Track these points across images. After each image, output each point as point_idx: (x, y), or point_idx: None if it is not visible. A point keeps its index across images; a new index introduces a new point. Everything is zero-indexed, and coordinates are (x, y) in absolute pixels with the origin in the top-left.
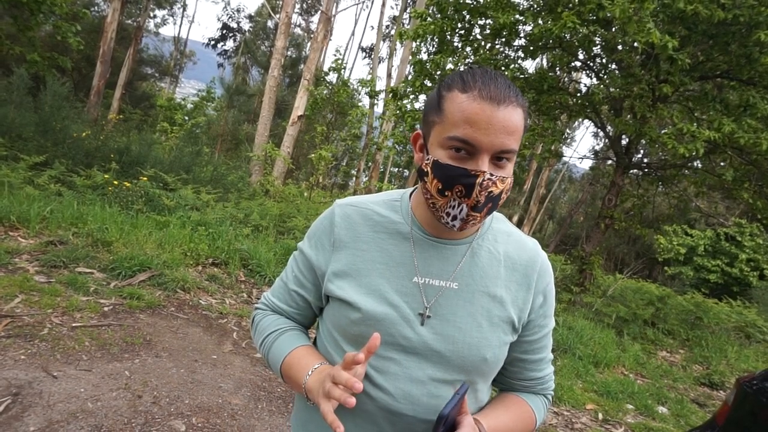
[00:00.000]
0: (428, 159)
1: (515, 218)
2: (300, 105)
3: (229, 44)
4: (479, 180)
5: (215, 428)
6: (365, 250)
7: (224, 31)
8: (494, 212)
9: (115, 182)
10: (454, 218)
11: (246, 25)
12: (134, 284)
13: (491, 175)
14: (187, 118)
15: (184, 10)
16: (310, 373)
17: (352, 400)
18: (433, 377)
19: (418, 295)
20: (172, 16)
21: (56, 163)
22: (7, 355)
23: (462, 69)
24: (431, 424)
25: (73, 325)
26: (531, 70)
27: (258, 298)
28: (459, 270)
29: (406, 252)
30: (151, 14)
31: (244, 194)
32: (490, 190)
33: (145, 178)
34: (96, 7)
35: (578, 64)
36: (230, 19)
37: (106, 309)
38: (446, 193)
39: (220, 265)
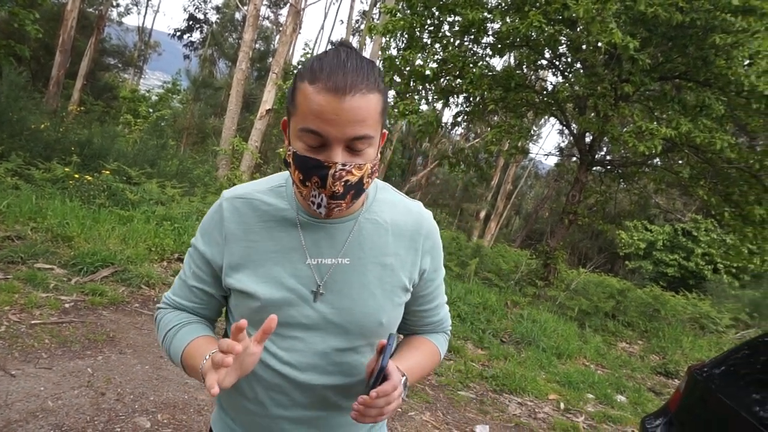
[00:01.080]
0: (289, 150)
1: (482, 213)
2: (268, 99)
3: (196, 36)
4: (331, 171)
5: (181, 424)
6: (257, 241)
7: (190, 22)
8: (378, 184)
9: (76, 176)
10: (319, 206)
11: (213, 17)
12: (96, 280)
13: (344, 165)
14: (151, 110)
15: None
16: (207, 357)
17: (229, 360)
18: (336, 347)
19: (311, 275)
20: (136, 5)
21: (13, 156)
22: None
23: (319, 54)
24: (340, 388)
25: (32, 322)
26: (499, 68)
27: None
28: (348, 245)
29: (295, 237)
30: (114, 3)
31: (211, 189)
32: (345, 179)
33: (108, 172)
34: None
35: (544, 62)
36: (197, 10)
37: (66, 306)
38: (306, 183)
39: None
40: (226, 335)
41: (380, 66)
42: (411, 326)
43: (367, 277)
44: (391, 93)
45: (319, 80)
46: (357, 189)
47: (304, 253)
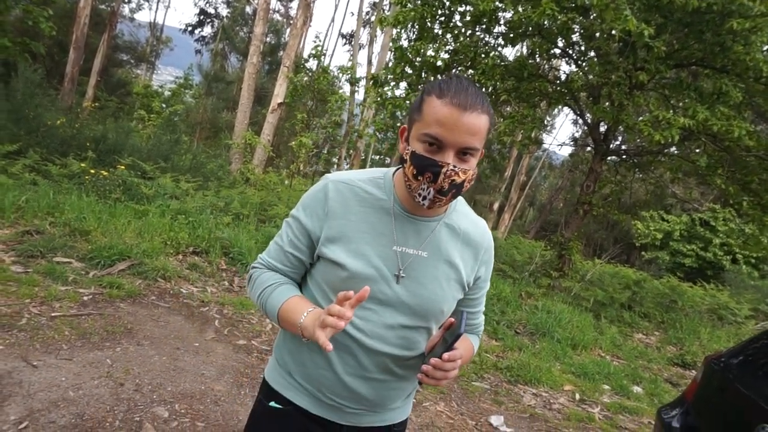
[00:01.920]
0: (408, 149)
1: (496, 204)
2: (280, 92)
3: (207, 30)
4: (444, 170)
5: (198, 414)
6: (354, 221)
7: (201, 17)
8: (459, 196)
9: (92, 171)
10: (424, 198)
11: (224, 11)
12: (114, 273)
13: (454, 166)
14: (164, 105)
15: None
16: (305, 314)
17: (342, 324)
18: (402, 324)
19: (395, 260)
20: (148, 1)
21: (30, 152)
22: None
23: (444, 77)
24: (397, 358)
25: (53, 314)
26: (511, 58)
27: (240, 286)
28: (428, 242)
29: (387, 224)
30: None
31: (224, 182)
32: (453, 178)
33: (123, 167)
34: None
35: (557, 51)
36: (207, 5)
37: (85, 298)
38: (419, 178)
39: (201, 253)
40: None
41: (391, 57)
42: None
43: (439, 271)
44: (403, 84)
45: (446, 96)
46: (457, 189)
47: (393, 240)
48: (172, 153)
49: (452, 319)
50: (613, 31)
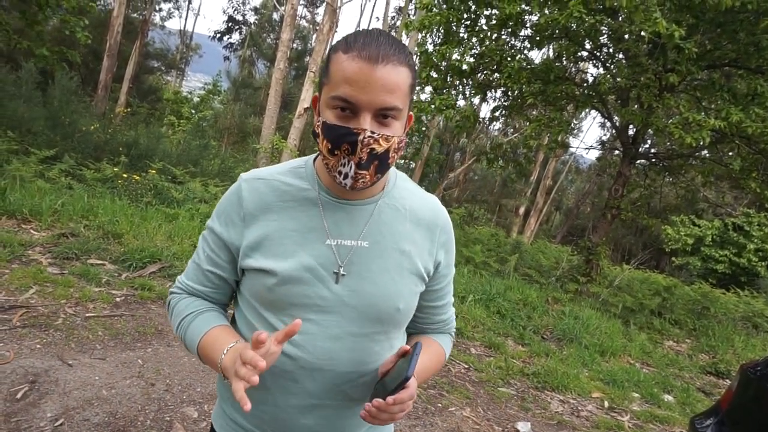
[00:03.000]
0: (319, 120)
1: (522, 209)
2: (306, 97)
3: (235, 37)
4: (360, 137)
5: None
6: (276, 220)
7: (230, 24)
8: (397, 172)
9: (125, 175)
10: (345, 176)
11: (251, 18)
12: (145, 275)
13: (372, 132)
14: (193, 111)
15: (190, 3)
16: (225, 352)
17: (255, 379)
18: (351, 332)
19: (331, 256)
20: (178, 9)
21: (66, 157)
22: (24, 344)
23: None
24: (351, 376)
25: (87, 315)
26: (537, 61)
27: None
28: (368, 228)
29: (315, 217)
30: (157, 7)
31: None
32: (372, 147)
33: (154, 171)
34: (102, 1)
35: (585, 54)
36: (236, 12)
37: (118, 300)
38: (335, 152)
39: None
40: (233, 322)
41: (417, 61)
42: (419, 324)
43: (387, 262)
44: (428, 89)
45: (353, 49)
46: (381, 161)
47: (325, 233)
48: (201, 158)
49: (407, 347)
50: (643, 33)
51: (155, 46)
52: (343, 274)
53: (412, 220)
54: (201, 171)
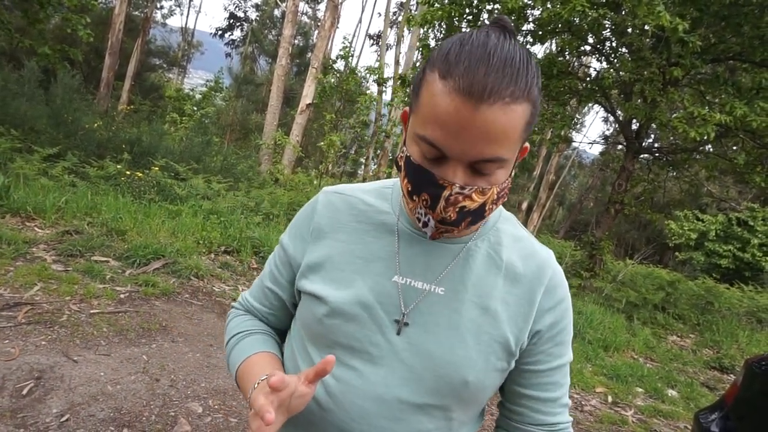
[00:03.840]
0: (403, 152)
1: (525, 204)
2: (308, 93)
3: (237, 34)
4: (446, 193)
5: (232, 410)
6: (344, 241)
7: (231, 21)
8: (501, 210)
9: (128, 172)
10: (425, 225)
11: (253, 14)
12: (149, 272)
13: (462, 188)
14: (195, 108)
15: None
16: (255, 385)
17: (266, 430)
18: (400, 397)
19: (395, 296)
20: (179, 7)
21: (69, 155)
22: (29, 340)
23: (463, 35)
24: None
25: (91, 311)
26: (539, 55)
27: None
28: (448, 272)
29: (388, 246)
30: (158, 5)
31: (254, 183)
32: (462, 205)
33: (157, 168)
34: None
35: (588, 48)
36: (237, 9)
37: (122, 296)
38: (414, 198)
39: (233, 252)
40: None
41: (418, 56)
42: (513, 421)
43: (462, 318)
44: None
45: (452, 75)
46: (475, 216)
47: (395, 268)
48: (204, 154)
49: None
50: (646, 27)
51: (157, 43)
52: (406, 323)
53: (509, 276)
54: (204, 168)
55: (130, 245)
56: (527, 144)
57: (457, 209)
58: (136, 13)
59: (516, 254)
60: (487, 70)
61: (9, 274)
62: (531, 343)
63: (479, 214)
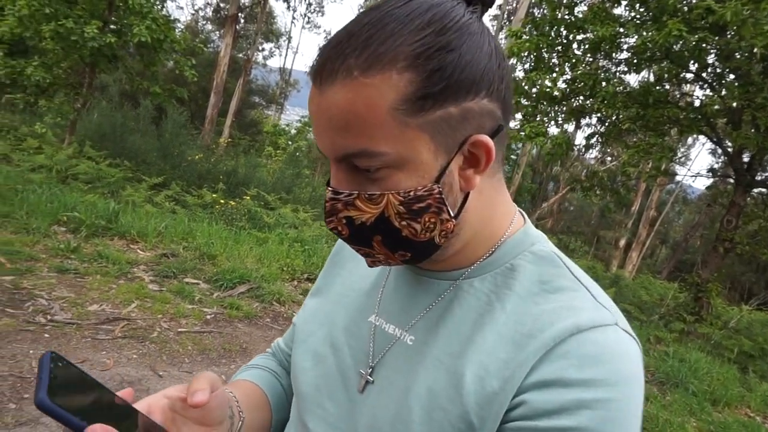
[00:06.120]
0: None
1: (622, 241)
2: None
3: None
4: (326, 198)
5: None
6: (351, 270)
7: None
8: (536, 241)
9: (222, 201)
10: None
11: None
12: (234, 295)
13: (336, 193)
14: (290, 142)
15: (289, 42)
16: None
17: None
18: None
19: (366, 341)
20: (278, 48)
21: (173, 184)
22: (122, 353)
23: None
24: None
25: (179, 330)
26: (634, 84)
27: None
28: (424, 317)
29: (380, 277)
30: (260, 47)
31: None
32: (346, 215)
33: (249, 198)
34: (213, 44)
35: (689, 75)
36: None
37: (208, 317)
38: None
39: (314, 280)
40: None
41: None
42: None
43: (417, 380)
44: (518, 115)
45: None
46: (377, 233)
47: (375, 304)
48: (294, 185)
49: None
50: (755, 49)
51: (257, 82)
52: (370, 381)
53: (506, 335)
54: (293, 198)
55: (219, 269)
56: (480, 136)
57: (343, 220)
58: (240, 55)
59: (533, 306)
60: (335, 42)
61: (111, 290)
62: (504, 425)
63: (379, 231)
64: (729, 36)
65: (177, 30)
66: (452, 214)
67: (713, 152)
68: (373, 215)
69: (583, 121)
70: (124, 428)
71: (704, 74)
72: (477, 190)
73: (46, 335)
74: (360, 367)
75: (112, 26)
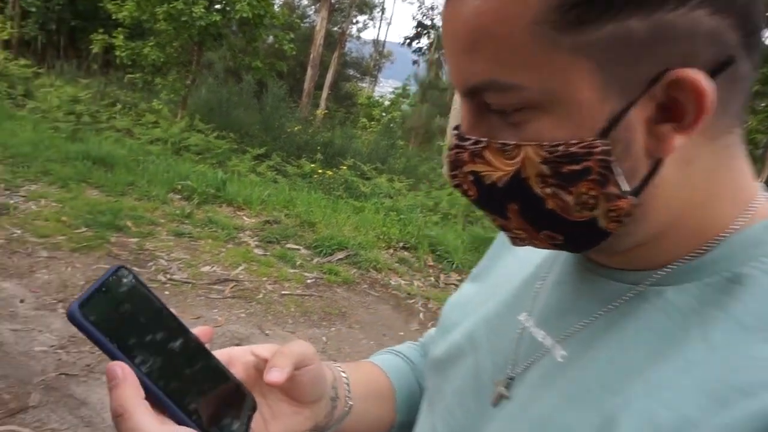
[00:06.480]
0: None
1: None
2: None
3: (424, 41)
4: (449, 145)
5: None
6: (515, 256)
7: (419, 29)
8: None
9: (320, 171)
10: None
11: (439, 22)
12: (333, 261)
13: (461, 138)
14: (384, 113)
15: (383, 13)
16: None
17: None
18: None
19: (510, 342)
20: (372, 20)
21: (273, 155)
22: (232, 312)
23: None
24: None
25: (282, 292)
26: None
27: (446, 283)
28: (584, 328)
29: (541, 269)
30: (354, 20)
31: (435, 184)
32: (470, 169)
33: (345, 168)
34: (308, 18)
35: None
36: (424, 17)
37: (309, 281)
38: None
39: (410, 249)
40: None
41: None
42: None
43: (557, 416)
44: None
45: None
46: (528, 205)
47: (527, 300)
48: (389, 156)
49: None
50: None
51: (352, 55)
52: (504, 396)
53: (700, 376)
54: (388, 168)
55: (318, 236)
56: (687, 71)
57: (470, 177)
58: (335, 28)
59: (760, 345)
60: None
61: (221, 254)
62: None
63: (530, 202)
64: None
65: (275, 6)
66: (626, 189)
67: None
68: (507, 174)
69: None
70: (186, 376)
71: None
72: (681, 158)
73: (167, 292)
74: (497, 374)
75: (216, 6)
